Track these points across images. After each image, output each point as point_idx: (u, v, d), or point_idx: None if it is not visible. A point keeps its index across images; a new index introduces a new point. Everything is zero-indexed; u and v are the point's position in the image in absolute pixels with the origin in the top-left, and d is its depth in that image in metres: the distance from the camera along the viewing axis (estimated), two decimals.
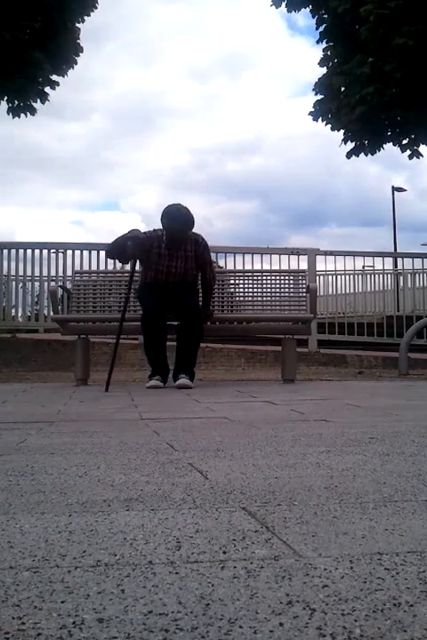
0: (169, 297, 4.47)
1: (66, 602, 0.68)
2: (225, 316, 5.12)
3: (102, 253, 7.64)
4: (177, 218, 4.39)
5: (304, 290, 5.09)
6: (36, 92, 10.66)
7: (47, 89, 10.77)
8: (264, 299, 5.20)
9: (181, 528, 0.97)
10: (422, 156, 11.41)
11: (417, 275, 9.37)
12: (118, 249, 4.45)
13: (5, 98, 10.58)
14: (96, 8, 10.84)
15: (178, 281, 4.50)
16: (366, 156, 11.63)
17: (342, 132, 11.42)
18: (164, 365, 4.55)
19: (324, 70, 11.52)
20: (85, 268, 7.39)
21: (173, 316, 4.55)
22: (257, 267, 7.63)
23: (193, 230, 4.54)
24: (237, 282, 5.38)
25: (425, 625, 0.61)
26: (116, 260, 5.20)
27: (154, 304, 4.45)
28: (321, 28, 11.35)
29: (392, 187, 26.65)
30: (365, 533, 0.93)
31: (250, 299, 5.25)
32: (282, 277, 5.22)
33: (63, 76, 10.88)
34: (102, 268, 7.44)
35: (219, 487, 1.25)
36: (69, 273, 7.43)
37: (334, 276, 9.29)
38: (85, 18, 10.79)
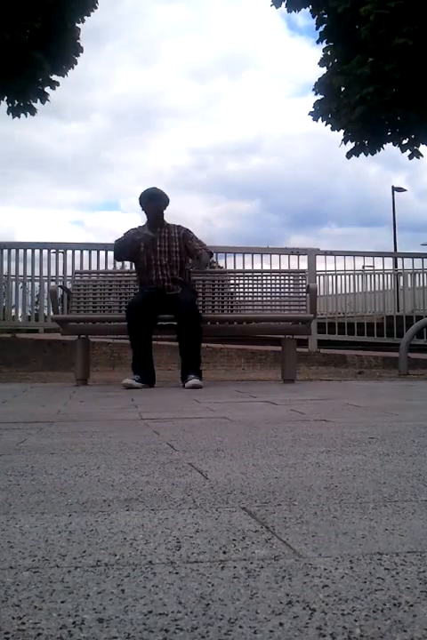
0: (163, 296, 4.48)
1: (66, 602, 0.68)
2: (225, 316, 5.13)
3: (102, 253, 7.67)
4: (150, 188, 4.74)
5: (304, 290, 5.09)
6: (36, 92, 10.66)
7: (47, 89, 10.77)
8: (264, 299, 5.20)
9: (181, 528, 0.96)
10: (422, 155, 11.41)
11: (417, 275, 9.37)
12: (119, 250, 4.77)
13: (5, 98, 10.57)
14: (96, 8, 10.84)
15: (168, 268, 4.55)
16: (366, 155, 11.63)
17: (342, 132, 11.42)
18: (147, 363, 4.48)
19: (324, 70, 11.52)
20: (85, 267, 7.39)
21: (172, 317, 4.58)
22: (257, 267, 7.64)
23: (181, 224, 4.78)
24: (237, 282, 5.38)
25: (425, 625, 0.61)
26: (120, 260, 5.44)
27: (142, 298, 4.50)
28: (321, 28, 11.35)
29: (392, 187, 26.66)
30: (365, 533, 0.93)
31: (250, 299, 5.25)
32: (282, 277, 5.23)
33: (63, 76, 10.88)
34: (102, 267, 7.45)
35: (219, 487, 1.25)
36: (69, 273, 7.43)
37: (334, 276, 9.30)
38: (85, 18, 10.79)
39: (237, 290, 5.37)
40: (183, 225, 4.75)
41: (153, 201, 4.66)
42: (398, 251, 16.90)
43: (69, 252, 7.75)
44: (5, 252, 7.89)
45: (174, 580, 0.74)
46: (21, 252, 7.83)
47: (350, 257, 8.87)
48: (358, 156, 11.62)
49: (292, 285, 5.17)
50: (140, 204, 4.70)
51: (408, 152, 11.35)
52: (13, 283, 7.99)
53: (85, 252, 7.70)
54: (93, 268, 7.31)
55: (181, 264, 4.62)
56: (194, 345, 4.46)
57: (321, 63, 11.55)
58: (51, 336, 7.71)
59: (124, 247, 4.67)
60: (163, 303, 4.49)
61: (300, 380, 5.09)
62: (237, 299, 5.38)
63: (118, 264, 7.61)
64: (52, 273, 7.93)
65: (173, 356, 7.03)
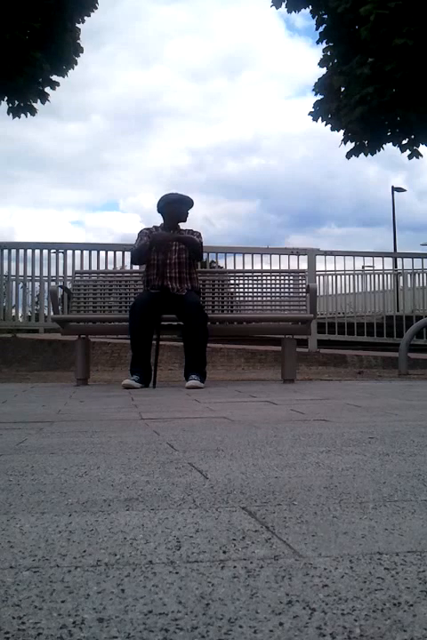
0: (168, 296, 4.48)
1: (66, 601, 0.68)
2: (225, 316, 5.13)
3: (102, 253, 7.68)
4: (174, 193, 4.77)
5: (304, 290, 5.09)
6: (36, 92, 10.67)
7: (47, 89, 10.78)
8: (264, 299, 5.20)
9: (181, 528, 0.97)
10: (421, 156, 11.41)
11: (417, 275, 9.38)
12: (137, 257, 4.74)
13: (5, 98, 10.58)
14: (96, 8, 10.85)
15: (177, 268, 4.55)
16: (366, 156, 11.63)
17: (341, 132, 11.42)
18: (145, 363, 4.49)
19: (323, 71, 11.53)
20: (85, 267, 7.40)
21: (176, 317, 4.59)
22: (257, 267, 7.64)
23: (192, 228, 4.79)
24: (237, 282, 5.38)
25: (425, 625, 0.61)
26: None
27: (147, 297, 4.49)
28: (321, 29, 11.35)
29: (392, 187, 26.65)
30: (365, 533, 0.93)
31: (250, 299, 5.25)
32: (282, 277, 5.23)
33: (63, 77, 10.89)
34: (102, 267, 7.45)
35: (219, 487, 1.25)
36: (69, 273, 7.44)
37: (334, 276, 9.31)
38: (85, 18, 10.80)
39: (237, 290, 5.38)
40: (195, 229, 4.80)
41: (174, 199, 4.70)
42: (397, 251, 16.90)
43: (69, 252, 7.76)
44: (5, 252, 7.89)
45: (174, 579, 0.74)
46: (21, 251, 7.84)
47: (350, 257, 8.88)
48: (357, 157, 11.63)
49: (292, 285, 5.17)
50: (159, 206, 4.74)
51: (408, 152, 11.35)
52: (13, 283, 8.00)
53: (85, 252, 7.71)
54: (93, 267, 7.32)
55: (189, 266, 4.62)
56: (199, 346, 4.46)
57: (321, 63, 11.55)
58: (51, 336, 7.72)
59: (142, 255, 4.64)
60: (167, 303, 4.49)
61: (300, 380, 5.09)
62: (237, 299, 5.38)
63: (119, 264, 7.62)
64: (52, 273, 7.95)
65: (173, 355, 7.04)
